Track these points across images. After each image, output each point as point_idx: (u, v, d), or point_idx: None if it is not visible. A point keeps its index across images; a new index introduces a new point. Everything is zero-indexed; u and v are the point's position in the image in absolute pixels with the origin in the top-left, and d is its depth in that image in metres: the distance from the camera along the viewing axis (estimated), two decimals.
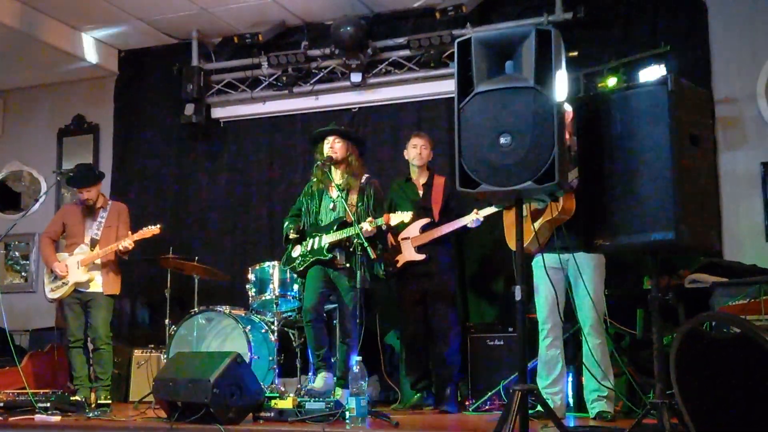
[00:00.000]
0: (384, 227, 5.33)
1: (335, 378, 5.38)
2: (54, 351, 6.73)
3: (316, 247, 5.42)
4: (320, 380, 5.28)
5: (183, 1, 6.79)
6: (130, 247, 6.00)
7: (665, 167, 3.28)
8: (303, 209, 5.64)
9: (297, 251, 5.57)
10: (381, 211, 5.44)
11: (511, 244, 4.73)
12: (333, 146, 5.47)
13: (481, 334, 5.78)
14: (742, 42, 6.03)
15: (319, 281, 5.43)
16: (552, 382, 4.67)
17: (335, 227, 5.38)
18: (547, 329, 4.69)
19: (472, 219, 5.53)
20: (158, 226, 6.10)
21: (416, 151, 5.80)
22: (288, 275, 5.79)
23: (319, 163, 5.48)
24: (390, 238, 5.74)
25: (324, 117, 7.06)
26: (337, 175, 5.48)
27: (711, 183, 3.81)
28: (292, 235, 5.53)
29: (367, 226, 5.14)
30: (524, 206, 3.70)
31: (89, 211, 6.19)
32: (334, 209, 5.48)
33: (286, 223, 5.66)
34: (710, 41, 6.09)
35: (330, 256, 5.35)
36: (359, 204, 5.41)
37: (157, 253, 6.39)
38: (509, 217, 4.81)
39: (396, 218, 5.31)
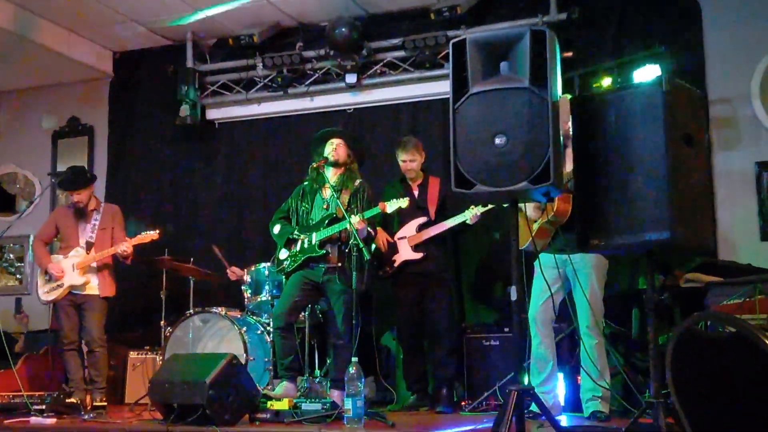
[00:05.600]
0: (370, 233, 5.29)
1: (300, 389, 5.37)
2: (49, 353, 6.71)
3: (306, 245, 5.39)
4: (280, 389, 5.21)
5: (178, 3, 6.78)
6: (129, 251, 5.98)
7: (660, 167, 3.28)
8: (291, 209, 5.59)
9: (284, 253, 5.49)
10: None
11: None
12: (336, 149, 5.44)
13: (478, 334, 5.79)
14: (736, 42, 6.05)
15: (297, 289, 5.37)
16: (543, 381, 4.68)
17: (326, 223, 5.35)
18: (537, 327, 4.70)
19: (471, 215, 5.52)
20: (156, 231, 6.05)
21: (405, 165, 5.77)
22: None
23: (314, 164, 5.45)
24: (387, 236, 5.73)
25: (319, 118, 7.07)
26: (332, 177, 5.46)
27: (706, 183, 3.82)
28: (301, 236, 5.41)
29: (357, 218, 5.09)
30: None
31: (82, 213, 6.14)
32: (327, 209, 5.45)
33: (279, 226, 5.56)
34: (704, 41, 6.11)
35: (322, 252, 5.32)
36: (352, 204, 5.39)
37: (152, 255, 6.37)
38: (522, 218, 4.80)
39: (392, 205, 5.25)
